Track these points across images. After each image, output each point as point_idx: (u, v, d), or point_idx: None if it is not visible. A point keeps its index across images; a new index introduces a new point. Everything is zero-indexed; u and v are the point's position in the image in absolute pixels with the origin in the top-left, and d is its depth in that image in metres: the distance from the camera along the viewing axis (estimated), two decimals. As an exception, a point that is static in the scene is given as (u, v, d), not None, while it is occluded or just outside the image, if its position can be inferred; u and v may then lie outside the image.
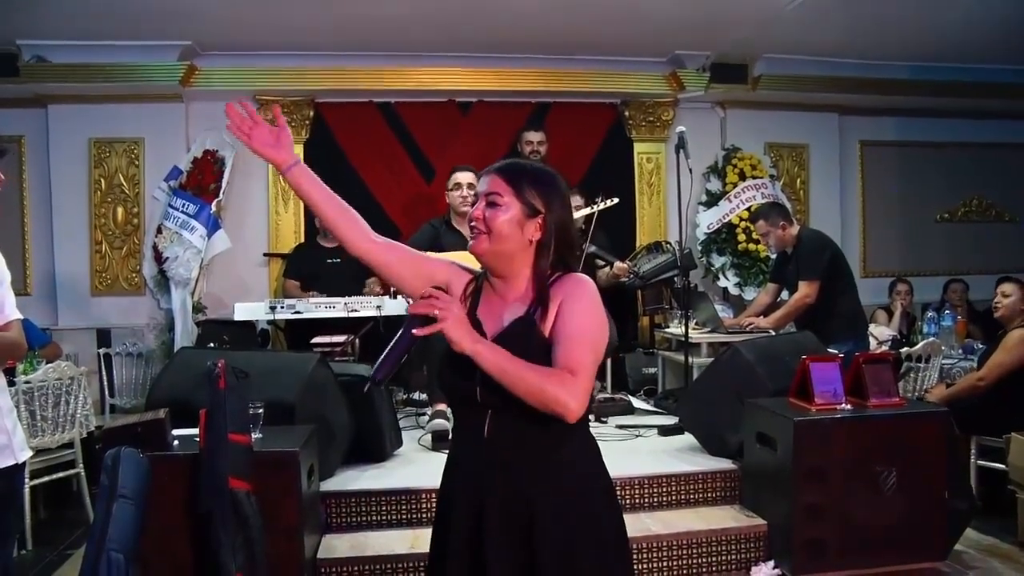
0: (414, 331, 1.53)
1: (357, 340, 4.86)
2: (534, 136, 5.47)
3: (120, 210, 5.85)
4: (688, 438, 3.93)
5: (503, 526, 1.63)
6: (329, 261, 5.51)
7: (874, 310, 6.11)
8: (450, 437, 1.82)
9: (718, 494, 3.51)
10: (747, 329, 4.75)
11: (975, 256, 7.01)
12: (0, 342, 2.27)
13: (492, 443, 1.64)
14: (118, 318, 5.77)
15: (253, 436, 2.73)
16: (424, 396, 4.76)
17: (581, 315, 1.63)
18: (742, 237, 6.16)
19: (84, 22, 5.14)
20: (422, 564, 2.99)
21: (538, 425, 1.59)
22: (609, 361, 5.06)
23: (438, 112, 6.23)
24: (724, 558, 3.21)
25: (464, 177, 4.58)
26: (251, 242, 6.05)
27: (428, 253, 1.78)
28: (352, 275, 5.46)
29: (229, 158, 5.76)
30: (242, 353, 3.66)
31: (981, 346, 5.01)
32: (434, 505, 3.24)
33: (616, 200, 4.98)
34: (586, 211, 4.95)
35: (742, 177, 6.26)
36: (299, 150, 6.12)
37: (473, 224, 1.69)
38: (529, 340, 1.63)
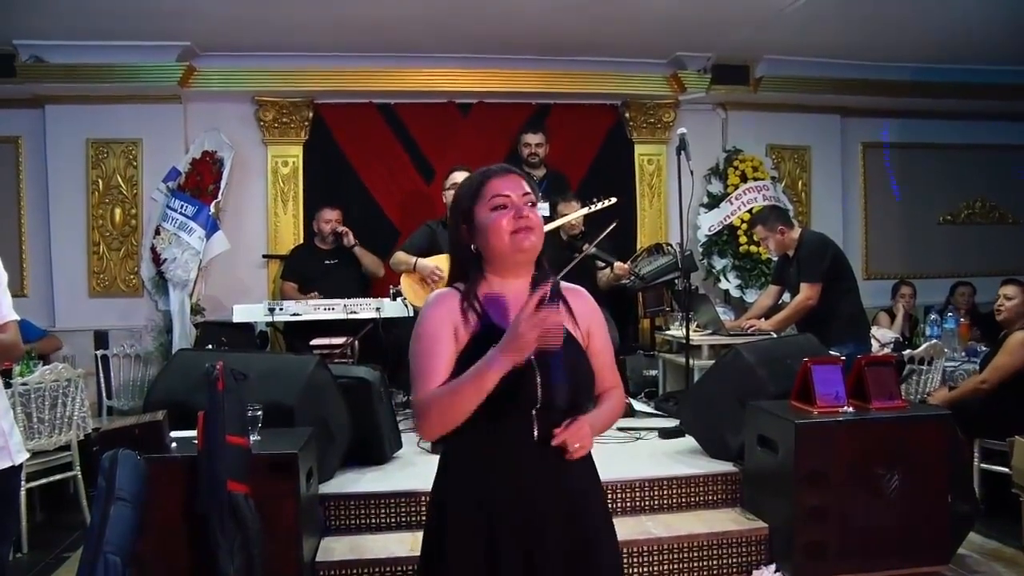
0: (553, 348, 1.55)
1: (356, 342, 4.85)
2: (532, 138, 5.46)
3: (118, 211, 5.84)
4: (689, 441, 3.92)
5: (563, 524, 1.65)
6: (327, 263, 5.51)
7: (876, 312, 6.09)
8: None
9: (719, 497, 3.49)
10: (748, 331, 4.74)
11: (977, 258, 6.98)
12: (-4, 343, 2.25)
13: (543, 443, 1.64)
14: (116, 320, 5.74)
15: (251, 438, 2.72)
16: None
17: (606, 335, 1.84)
18: (743, 239, 6.15)
19: (82, 22, 5.12)
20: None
21: (560, 421, 1.67)
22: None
23: (438, 113, 6.21)
24: (725, 561, 3.20)
25: (462, 177, 4.56)
26: (250, 243, 6.02)
27: (441, 337, 1.67)
28: (350, 277, 5.45)
29: (228, 159, 5.76)
30: (241, 355, 3.65)
31: (984, 348, 4.99)
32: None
33: (613, 200, 4.97)
34: (583, 211, 4.93)
35: (743, 179, 6.25)
36: (298, 152, 6.12)
37: (525, 224, 1.68)
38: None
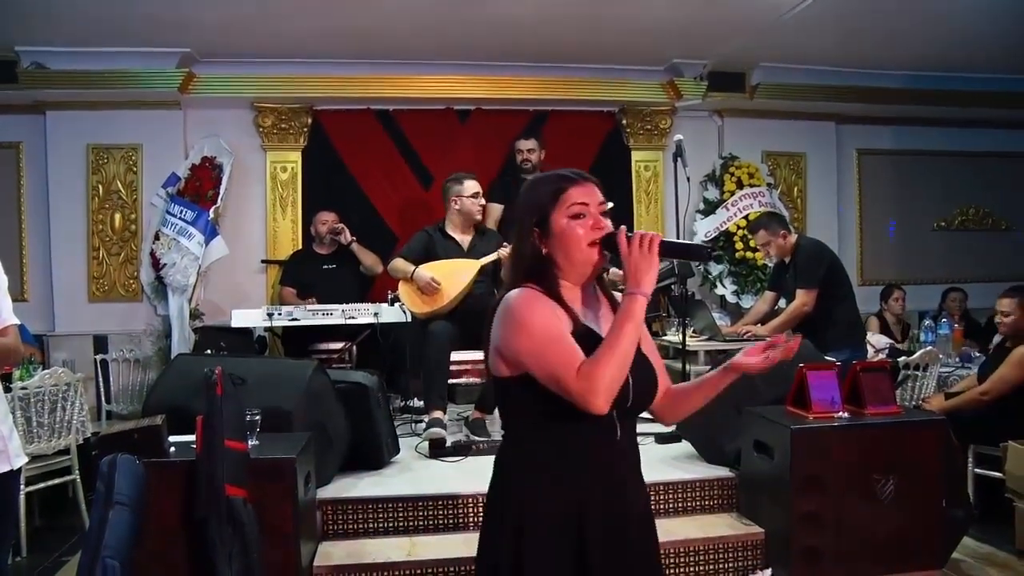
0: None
1: (355, 347, 4.86)
2: (524, 144, 5.45)
3: (118, 216, 5.85)
4: (685, 446, 3.93)
5: (641, 520, 1.73)
6: (325, 267, 5.52)
7: (866, 318, 6.10)
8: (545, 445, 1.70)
9: (715, 502, 3.50)
10: (744, 337, 4.75)
11: (972, 264, 7.03)
12: (-3, 348, 2.27)
13: (624, 444, 1.69)
14: (115, 324, 5.75)
15: (250, 443, 2.73)
16: (421, 403, 4.75)
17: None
18: (739, 245, 6.17)
19: (83, 29, 5.15)
20: (419, 572, 2.99)
21: (636, 422, 1.75)
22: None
23: (436, 120, 6.23)
24: (721, 566, 3.21)
25: (477, 186, 4.70)
26: (249, 249, 6.04)
27: (552, 326, 1.63)
28: (348, 281, 5.46)
29: (227, 165, 5.77)
30: (239, 360, 3.66)
31: (978, 355, 5.01)
32: (431, 512, 3.25)
33: (610, 204, 4.99)
34: None
35: (739, 185, 6.27)
36: (297, 158, 6.14)
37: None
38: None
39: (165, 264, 5.51)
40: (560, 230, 1.69)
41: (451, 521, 3.27)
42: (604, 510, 1.65)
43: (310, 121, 6.11)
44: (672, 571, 3.16)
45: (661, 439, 4.12)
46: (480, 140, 6.20)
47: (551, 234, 1.70)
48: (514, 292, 1.68)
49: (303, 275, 5.55)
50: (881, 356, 5.01)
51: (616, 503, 1.67)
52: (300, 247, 5.98)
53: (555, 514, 1.63)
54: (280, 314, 4.79)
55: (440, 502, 3.28)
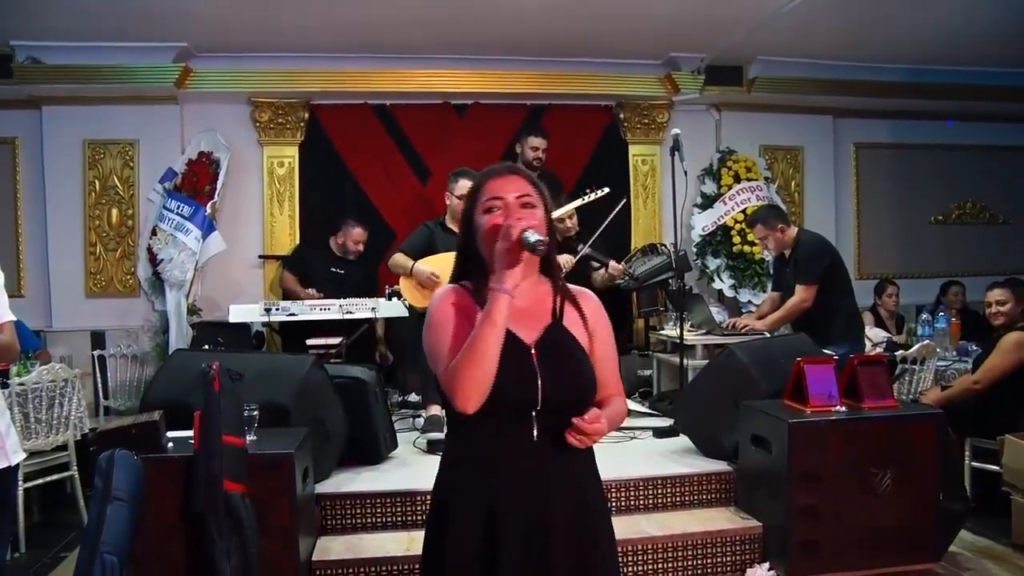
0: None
1: (347, 342, 4.85)
2: (541, 143, 5.39)
3: (115, 212, 5.83)
4: (683, 440, 3.94)
5: (565, 520, 1.66)
6: (332, 270, 5.48)
7: (861, 312, 6.10)
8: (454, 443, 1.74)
9: (713, 496, 3.51)
10: (742, 331, 4.75)
11: (969, 258, 7.04)
12: (-7, 344, 2.27)
13: (541, 443, 1.64)
14: (112, 320, 5.74)
15: (248, 438, 2.73)
16: (419, 398, 4.76)
17: (611, 337, 1.81)
18: (737, 239, 6.17)
19: (78, 23, 5.12)
20: (417, 566, 2.99)
21: (570, 421, 1.65)
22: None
23: (434, 114, 6.22)
24: (720, 560, 3.22)
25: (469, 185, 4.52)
26: (246, 244, 6.03)
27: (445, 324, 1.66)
28: (353, 287, 5.39)
29: (224, 160, 5.76)
30: (237, 355, 3.66)
31: (975, 348, 5.02)
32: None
33: (607, 190, 4.99)
34: (577, 203, 4.94)
35: (737, 179, 6.27)
36: (294, 153, 6.12)
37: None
38: (565, 343, 1.71)
39: (162, 259, 5.50)
40: (477, 226, 1.71)
41: (449, 516, 3.28)
42: (518, 509, 1.63)
43: (307, 116, 6.09)
44: (670, 565, 3.17)
45: (659, 434, 4.13)
46: (478, 134, 6.18)
47: (474, 231, 1.72)
48: (437, 292, 1.75)
49: (309, 269, 5.50)
50: (878, 350, 5.02)
51: (534, 503, 1.64)
52: (297, 242, 5.96)
53: (469, 512, 1.65)
54: (277, 309, 4.78)
55: (438, 497, 3.28)
